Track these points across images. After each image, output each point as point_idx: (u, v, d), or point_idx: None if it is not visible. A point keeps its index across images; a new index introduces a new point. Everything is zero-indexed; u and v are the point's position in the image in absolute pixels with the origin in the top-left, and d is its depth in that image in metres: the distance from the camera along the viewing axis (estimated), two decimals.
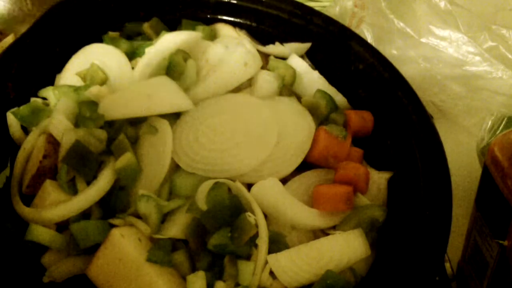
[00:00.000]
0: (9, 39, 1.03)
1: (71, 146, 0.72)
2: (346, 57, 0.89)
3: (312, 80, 0.87)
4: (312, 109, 0.81)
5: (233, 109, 0.78)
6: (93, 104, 0.78)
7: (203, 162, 0.73)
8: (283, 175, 0.75)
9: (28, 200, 0.75)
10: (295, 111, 0.79)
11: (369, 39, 1.05)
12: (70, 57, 0.88)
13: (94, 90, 0.80)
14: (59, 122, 0.77)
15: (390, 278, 0.66)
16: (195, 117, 0.78)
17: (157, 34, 0.89)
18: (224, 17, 0.96)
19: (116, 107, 0.76)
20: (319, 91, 0.83)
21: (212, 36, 0.93)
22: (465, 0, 1.00)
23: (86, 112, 0.77)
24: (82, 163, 0.73)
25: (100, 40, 0.91)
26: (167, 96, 0.77)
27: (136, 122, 0.77)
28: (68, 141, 0.73)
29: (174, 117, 0.78)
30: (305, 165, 0.77)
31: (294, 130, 0.77)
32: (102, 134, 0.75)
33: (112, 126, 0.76)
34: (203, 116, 0.78)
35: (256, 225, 0.68)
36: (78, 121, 0.77)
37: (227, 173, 0.72)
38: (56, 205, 0.71)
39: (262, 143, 0.74)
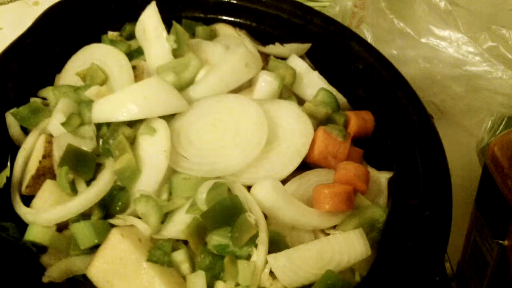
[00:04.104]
0: None
1: (65, 151, 0.73)
2: (346, 57, 0.89)
3: (312, 80, 0.87)
4: (313, 113, 0.81)
5: (225, 109, 0.78)
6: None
7: (193, 161, 0.74)
8: (278, 178, 0.74)
9: (28, 200, 0.75)
10: (294, 115, 0.79)
11: (369, 39, 1.05)
12: (70, 57, 0.88)
13: (94, 90, 0.80)
14: (59, 122, 0.77)
15: (390, 278, 0.66)
16: (187, 117, 0.78)
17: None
18: (224, 17, 0.96)
19: (111, 110, 0.76)
20: (322, 89, 0.83)
21: (212, 36, 0.93)
22: (465, 0, 1.00)
23: (86, 112, 0.77)
24: (79, 164, 0.73)
25: (100, 40, 0.91)
26: (162, 97, 0.77)
27: (133, 123, 0.77)
28: (60, 147, 0.74)
29: (170, 116, 0.78)
30: (305, 165, 0.77)
31: (292, 134, 0.77)
32: (89, 131, 0.75)
33: (109, 127, 0.76)
34: (195, 115, 0.78)
35: (256, 225, 0.68)
36: (67, 121, 0.77)
37: (216, 172, 0.72)
38: (56, 205, 0.71)
39: (252, 144, 0.74)
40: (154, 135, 0.75)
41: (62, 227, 0.72)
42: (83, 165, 0.73)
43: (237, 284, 0.67)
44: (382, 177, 0.79)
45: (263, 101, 0.80)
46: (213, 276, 0.67)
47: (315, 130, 0.78)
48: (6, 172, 0.76)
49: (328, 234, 0.72)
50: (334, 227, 0.73)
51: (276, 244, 0.68)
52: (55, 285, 0.69)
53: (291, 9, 0.93)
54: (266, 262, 0.67)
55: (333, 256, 0.68)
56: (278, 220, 0.71)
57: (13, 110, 0.80)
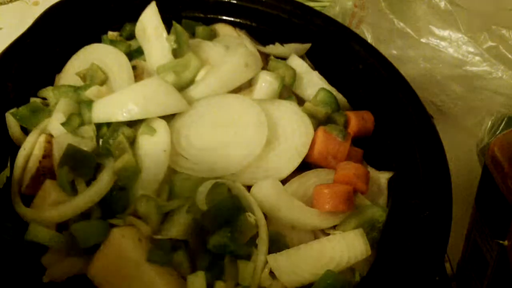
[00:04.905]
0: None
1: (65, 151, 0.73)
2: (346, 57, 0.89)
3: (312, 80, 0.87)
4: (313, 113, 0.81)
5: (225, 109, 0.78)
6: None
7: (193, 161, 0.74)
8: (278, 178, 0.74)
9: (28, 200, 0.75)
10: (294, 115, 0.79)
11: (369, 39, 1.06)
12: (70, 57, 0.88)
13: (94, 90, 0.80)
14: (59, 122, 0.77)
15: (390, 278, 0.66)
16: (187, 117, 0.78)
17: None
18: (224, 17, 0.96)
19: (111, 110, 0.76)
20: (322, 89, 0.83)
21: (212, 36, 0.93)
22: (465, 0, 1.00)
23: (86, 112, 0.77)
24: (79, 164, 0.73)
25: (100, 40, 0.91)
26: (162, 97, 0.77)
27: (133, 123, 0.77)
28: (60, 147, 0.75)
29: (170, 116, 0.78)
30: (305, 165, 0.77)
31: (292, 134, 0.77)
32: (89, 131, 0.75)
33: (109, 127, 0.76)
34: (195, 115, 0.78)
35: (256, 225, 0.68)
36: (67, 121, 0.77)
37: (216, 172, 0.73)
38: (56, 205, 0.71)
39: (252, 144, 0.74)
40: (154, 135, 0.75)
41: (62, 227, 0.72)
42: (83, 165, 0.73)
43: (237, 284, 0.67)
44: (382, 177, 0.79)
45: (263, 101, 0.80)
46: (213, 276, 0.67)
47: (315, 130, 0.78)
48: (6, 172, 0.76)
49: (328, 234, 0.72)
50: (334, 227, 0.73)
51: (276, 244, 0.69)
52: (55, 285, 0.70)
53: (291, 9, 0.93)
54: (266, 262, 0.67)
55: (333, 256, 0.68)
56: (278, 220, 0.71)
57: (13, 110, 0.80)
